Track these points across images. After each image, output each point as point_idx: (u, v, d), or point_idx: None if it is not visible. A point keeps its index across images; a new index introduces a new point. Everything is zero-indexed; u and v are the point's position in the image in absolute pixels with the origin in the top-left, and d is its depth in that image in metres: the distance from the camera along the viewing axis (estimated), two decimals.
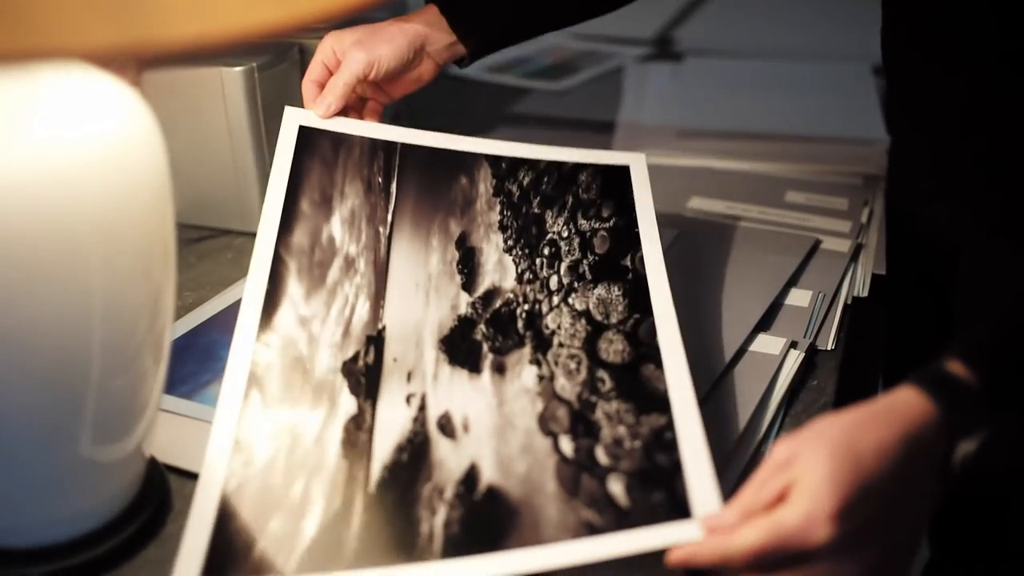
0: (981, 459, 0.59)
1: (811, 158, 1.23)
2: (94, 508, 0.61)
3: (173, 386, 0.77)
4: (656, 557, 0.58)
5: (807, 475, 0.54)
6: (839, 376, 0.82)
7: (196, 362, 0.81)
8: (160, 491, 0.66)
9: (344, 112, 0.91)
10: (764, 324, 0.87)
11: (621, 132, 1.33)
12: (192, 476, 0.69)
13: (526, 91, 1.57)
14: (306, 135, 0.85)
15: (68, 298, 0.52)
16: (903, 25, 0.95)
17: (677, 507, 0.59)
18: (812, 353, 0.84)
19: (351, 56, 0.91)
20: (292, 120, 0.87)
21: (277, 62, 1.04)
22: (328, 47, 0.92)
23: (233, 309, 0.89)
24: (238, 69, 0.99)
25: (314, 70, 0.92)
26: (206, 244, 1.05)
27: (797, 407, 0.78)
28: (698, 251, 0.99)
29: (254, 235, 1.04)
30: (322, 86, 0.91)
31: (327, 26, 1.09)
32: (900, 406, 0.57)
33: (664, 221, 1.05)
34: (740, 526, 0.55)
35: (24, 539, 0.60)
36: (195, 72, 1.00)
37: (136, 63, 1.00)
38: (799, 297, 0.92)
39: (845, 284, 0.95)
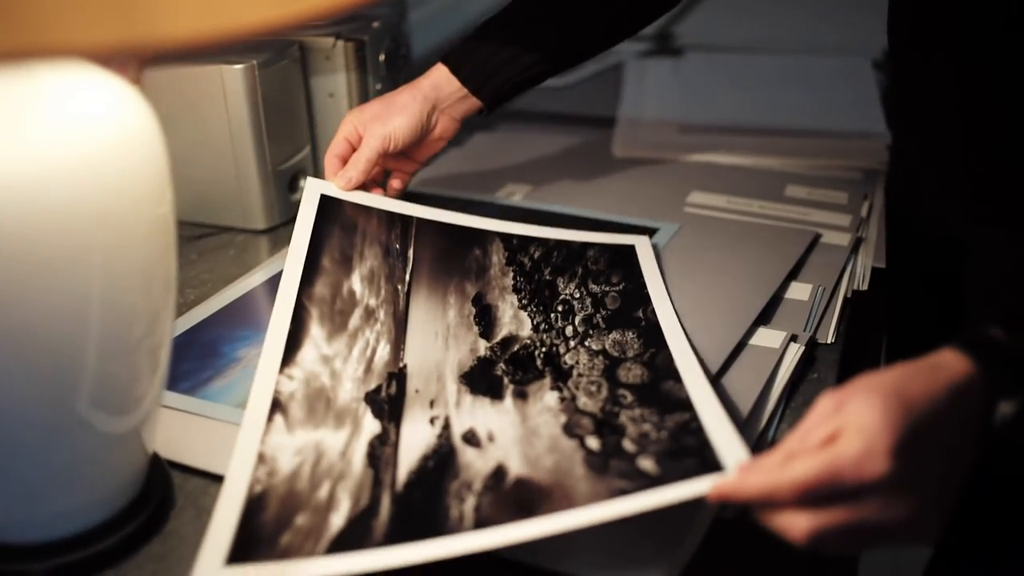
0: (1018, 427, 0.59)
1: (811, 153, 1.23)
2: (97, 503, 0.61)
3: (175, 382, 0.77)
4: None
5: (859, 416, 0.54)
6: (839, 369, 0.83)
7: (197, 358, 0.81)
8: (163, 487, 0.67)
9: (366, 187, 0.96)
10: (764, 318, 0.87)
11: (622, 128, 1.33)
12: (194, 472, 0.69)
13: None
14: (326, 204, 0.90)
15: (68, 295, 0.52)
16: (907, 20, 0.95)
17: (709, 467, 0.59)
18: (812, 346, 0.84)
19: (370, 131, 0.95)
20: (314, 189, 0.92)
21: (278, 59, 1.04)
22: (350, 124, 0.97)
23: (235, 306, 0.90)
24: (239, 67, 0.99)
25: (337, 146, 0.96)
26: (207, 241, 1.05)
27: (797, 400, 0.78)
28: (698, 245, 0.99)
29: (255, 232, 1.06)
30: (344, 161, 0.96)
31: (328, 22, 1.10)
32: (943, 363, 0.58)
33: (664, 216, 1.06)
34: (789, 462, 0.54)
35: (27, 534, 0.60)
36: (196, 70, 1.01)
37: (137, 61, 1.01)
38: (799, 291, 0.92)
39: (845, 278, 0.95)
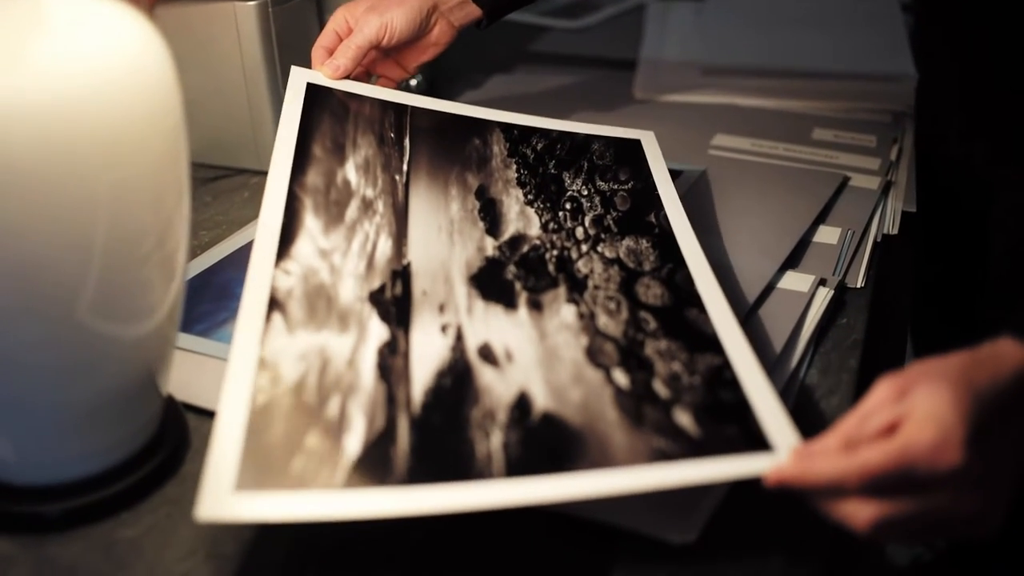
0: None
1: (839, 95, 1.20)
2: (112, 446, 0.60)
3: (189, 325, 0.76)
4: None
5: (928, 404, 0.50)
6: (869, 314, 0.80)
7: (212, 300, 0.80)
8: (178, 429, 0.65)
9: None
10: (792, 261, 0.84)
11: (643, 70, 1.30)
12: (210, 414, 0.68)
13: (546, 29, 1.54)
14: (314, 93, 0.85)
15: (77, 224, 0.50)
16: None
17: (754, 440, 0.55)
18: (841, 291, 0.82)
19: (364, 21, 0.90)
20: (299, 77, 0.86)
21: None
22: (341, 16, 0.91)
23: (249, 248, 0.88)
24: (252, 4, 0.97)
25: (325, 37, 0.91)
26: (221, 183, 1.03)
27: (826, 344, 0.76)
28: (724, 188, 0.96)
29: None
30: (331, 52, 0.90)
31: None
32: (1003, 352, 0.55)
33: (689, 158, 1.03)
34: (854, 449, 0.51)
35: (41, 476, 0.59)
36: (208, 7, 0.98)
37: None
38: (828, 235, 0.89)
39: (875, 222, 0.93)
